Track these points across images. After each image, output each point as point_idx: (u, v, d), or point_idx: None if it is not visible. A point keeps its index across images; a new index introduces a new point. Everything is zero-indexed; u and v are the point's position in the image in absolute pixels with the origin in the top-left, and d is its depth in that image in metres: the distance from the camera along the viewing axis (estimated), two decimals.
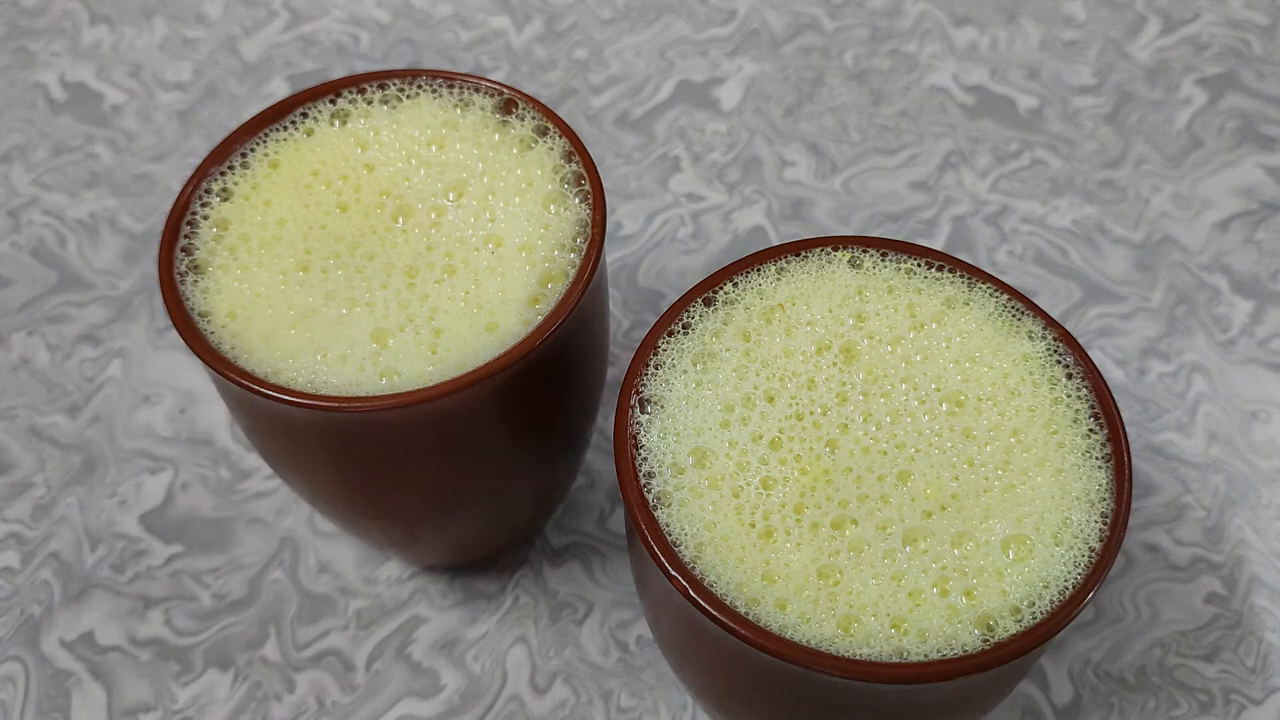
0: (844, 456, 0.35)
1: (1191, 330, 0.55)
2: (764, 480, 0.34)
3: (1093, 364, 0.36)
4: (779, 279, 0.38)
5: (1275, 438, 0.52)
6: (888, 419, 0.35)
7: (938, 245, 0.59)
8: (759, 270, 0.39)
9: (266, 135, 0.42)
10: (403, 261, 0.39)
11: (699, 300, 0.38)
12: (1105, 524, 0.33)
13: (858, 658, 0.31)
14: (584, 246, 0.39)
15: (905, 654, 0.31)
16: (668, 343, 0.37)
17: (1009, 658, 0.31)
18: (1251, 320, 0.56)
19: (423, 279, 0.39)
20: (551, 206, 0.40)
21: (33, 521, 0.50)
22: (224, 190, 0.41)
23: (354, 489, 0.41)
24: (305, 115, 0.43)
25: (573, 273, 0.38)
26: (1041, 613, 0.32)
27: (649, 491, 0.34)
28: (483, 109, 0.43)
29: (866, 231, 0.59)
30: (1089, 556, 0.33)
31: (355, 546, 0.50)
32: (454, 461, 0.40)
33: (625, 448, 0.35)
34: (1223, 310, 0.56)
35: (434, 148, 0.42)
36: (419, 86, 0.43)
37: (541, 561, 0.49)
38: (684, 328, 0.37)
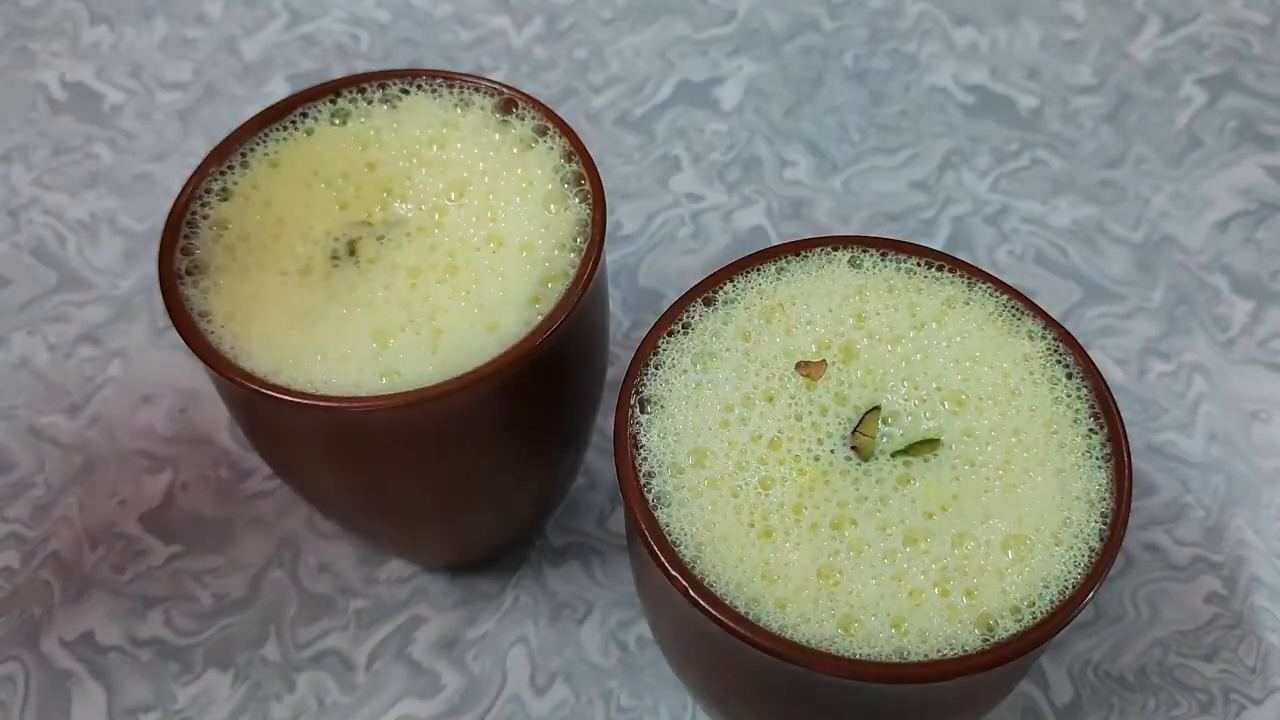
0: (843, 457, 0.35)
1: (1191, 330, 0.55)
2: (763, 480, 0.34)
3: (1093, 364, 0.36)
4: (779, 279, 0.38)
5: (1275, 438, 0.52)
6: (888, 419, 0.35)
7: (938, 245, 0.59)
8: (759, 270, 0.39)
9: (266, 135, 0.42)
10: (404, 262, 0.39)
11: (699, 300, 0.38)
12: (1105, 524, 0.33)
13: (858, 658, 0.31)
14: (584, 246, 0.39)
15: (905, 654, 0.31)
16: (668, 343, 0.37)
17: (1009, 658, 0.31)
18: (1251, 320, 0.56)
19: (424, 279, 0.39)
20: (551, 206, 0.40)
21: (33, 521, 0.50)
22: (224, 190, 0.41)
23: (354, 489, 0.41)
24: (305, 115, 0.43)
25: (573, 273, 0.38)
26: (1041, 613, 0.32)
27: (649, 491, 0.34)
28: (483, 109, 0.43)
29: (866, 231, 0.59)
30: (1089, 556, 0.33)
31: (355, 546, 0.49)
32: (454, 461, 0.39)
33: (625, 448, 0.34)
34: (1223, 310, 0.56)
35: (434, 147, 0.42)
36: (419, 86, 0.43)
37: (541, 561, 0.49)
38: (684, 328, 0.37)
